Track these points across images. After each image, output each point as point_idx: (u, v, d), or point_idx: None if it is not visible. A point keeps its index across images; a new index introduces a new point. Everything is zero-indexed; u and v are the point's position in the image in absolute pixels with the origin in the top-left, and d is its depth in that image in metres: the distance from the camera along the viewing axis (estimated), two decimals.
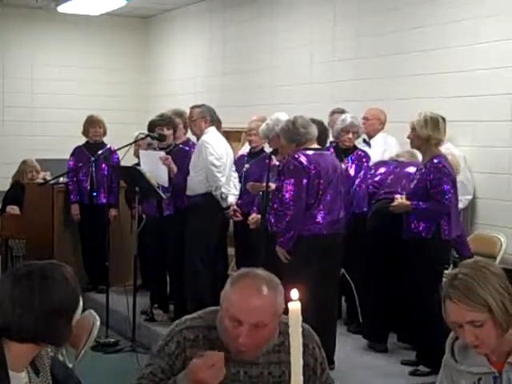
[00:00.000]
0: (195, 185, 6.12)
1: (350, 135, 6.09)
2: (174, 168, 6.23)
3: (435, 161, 5.04)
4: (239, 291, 2.36)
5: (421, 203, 5.03)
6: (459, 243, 5.44)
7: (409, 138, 5.22)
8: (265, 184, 5.57)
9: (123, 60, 11.84)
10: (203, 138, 6.14)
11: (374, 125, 6.66)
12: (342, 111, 6.74)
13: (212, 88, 10.32)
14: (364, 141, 6.67)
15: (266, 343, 2.41)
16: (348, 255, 5.86)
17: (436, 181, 4.99)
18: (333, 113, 6.84)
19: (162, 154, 6.33)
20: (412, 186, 5.17)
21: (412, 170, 5.57)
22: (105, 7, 10.22)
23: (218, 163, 6.05)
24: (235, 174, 6.44)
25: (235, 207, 6.25)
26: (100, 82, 11.56)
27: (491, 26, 6.33)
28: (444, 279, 2.32)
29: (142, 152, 6.53)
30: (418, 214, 5.07)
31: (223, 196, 6.07)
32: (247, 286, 2.37)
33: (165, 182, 6.20)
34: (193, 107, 6.35)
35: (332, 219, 5.04)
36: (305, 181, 4.96)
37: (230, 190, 6.28)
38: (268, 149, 6.11)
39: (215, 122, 6.33)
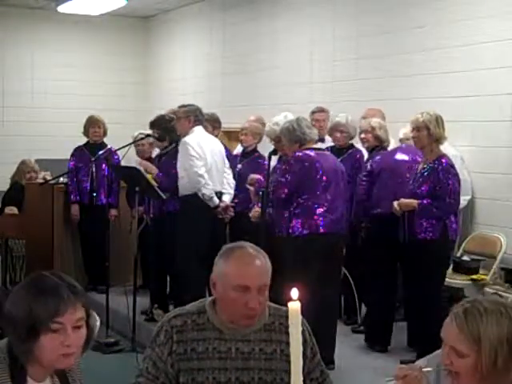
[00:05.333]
0: (182, 185, 6.12)
1: (338, 134, 6.17)
2: (153, 169, 6.28)
3: (443, 160, 5.08)
4: (237, 261, 2.51)
5: (429, 202, 5.04)
6: None
7: (414, 137, 5.19)
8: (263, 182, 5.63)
9: (123, 60, 11.83)
10: (185, 138, 6.14)
11: None
12: (322, 110, 6.79)
13: (212, 88, 10.32)
14: None
15: (264, 311, 2.56)
16: (352, 256, 5.90)
17: (445, 180, 5.03)
18: (312, 112, 6.87)
19: (138, 159, 6.61)
20: (413, 186, 5.17)
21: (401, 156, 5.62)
22: (105, 7, 10.22)
23: (197, 164, 6.02)
24: (229, 171, 6.44)
25: (227, 203, 6.25)
26: (100, 81, 11.55)
27: (491, 25, 6.33)
28: (466, 299, 2.15)
29: (126, 158, 6.65)
30: (426, 213, 5.06)
31: (206, 197, 6.05)
32: (242, 255, 2.52)
33: None
34: (179, 106, 6.36)
35: (332, 219, 5.05)
36: (297, 178, 4.98)
37: (225, 188, 6.30)
38: (260, 149, 6.14)
39: (201, 121, 6.30)
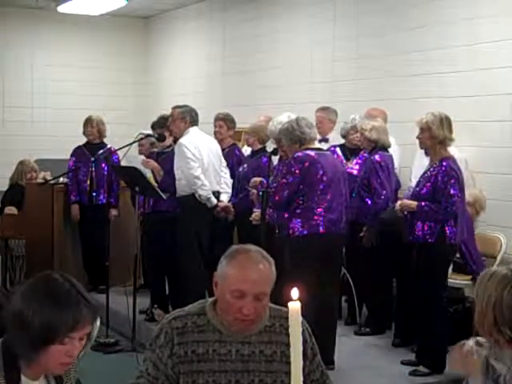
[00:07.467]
0: (180, 186, 6.13)
1: (359, 134, 6.13)
2: (160, 170, 6.29)
3: (444, 163, 4.99)
4: (238, 265, 2.47)
5: (427, 204, 5.00)
6: (468, 244, 5.50)
7: (418, 138, 5.11)
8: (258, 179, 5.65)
9: (123, 60, 11.83)
10: (180, 140, 6.16)
11: None
12: (321, 109, 6.82)
13: (212, 88, 10.32)
14: None
15: (265, 314, 2.53)
16: (353, 256, 5.91)
17: (443, 184, 4.94)
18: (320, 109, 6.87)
19: (142, 157, 6.50)
20: (418, 188, 5.14)
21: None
22: (105, 7, 10.22)
23: (193, 165, 6.02)
24: (226, 170, 6.46)
25: (226, 204, 6.26)
26: (100, 81, 11.55)
27: (491, 26, 6.33)
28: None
29: (126, 158, 6.61)
30: (421, 215, 5.03)
31: (203, 198, 6.06)
32: (244, 260, 2.48)
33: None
34: (174, 107, 6.36)
35: (332, 219, 5.04)
36: (298, 179, 4.97)
37: (223, 188, 6.32)
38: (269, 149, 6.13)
39: (197, 122, 6.31)
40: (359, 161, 6.15)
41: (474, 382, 2.32)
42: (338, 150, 6.32)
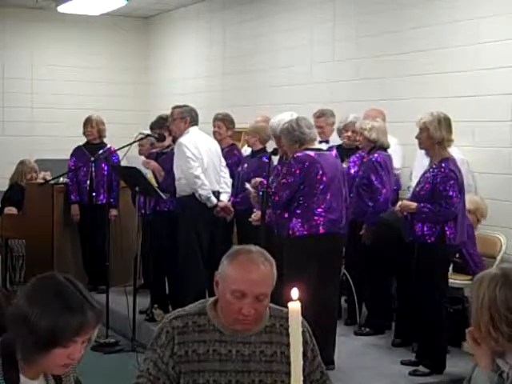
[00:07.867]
0: (180, 186, 6.13)
1: (349, 133, 6.16)
2: (160, 171, 6.29)
3: (443, 165, 4.95)
4: (239, 266, 2.47)
5: (427, 205, 4.98)
6: (469, 248, 5.50)
7: (417, 138, 5.08)
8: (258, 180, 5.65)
9: (123, 60, 11.83)
10: (180, 139, 6.17)
11: None
12: (322, 114, 6.83)
13: (212, 88, 10.32)
14: None
15: (265, 314, 2.54)
16: (353, 256, 5.91)
17: (442, 185, 4.91)
18: (314, 116, 6.87)
19: (142, 157, 6.52)
20: (418, 189, 5.13)
21: None
22: (105, 7, 10.22)
23: (193, 165, 6.03)
24: (226, 170, 6.46)
25: (225, 204, 6.26)
26: (100, 82, 11.55)
27: (491, 26, 6.33)
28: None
29: (126, 158, 6.61)
30: (422, 216, 5.02)
31: (203, 198, 6.07)
32: (246, 261, 2.48)
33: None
34: (174, 107, 6.37)
35: (332, 219, 5.04)
36: (298, 179, 4.97)
37: (222, 187, 6.33)
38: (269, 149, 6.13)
39: (197, 122, 6.31)
40: (355, 159, 6.15)
41: (481, 375, 2.34)
42: (334, 151, 6.32)
